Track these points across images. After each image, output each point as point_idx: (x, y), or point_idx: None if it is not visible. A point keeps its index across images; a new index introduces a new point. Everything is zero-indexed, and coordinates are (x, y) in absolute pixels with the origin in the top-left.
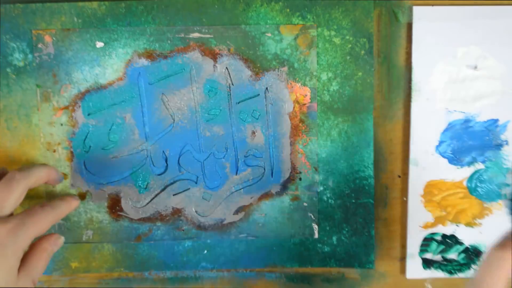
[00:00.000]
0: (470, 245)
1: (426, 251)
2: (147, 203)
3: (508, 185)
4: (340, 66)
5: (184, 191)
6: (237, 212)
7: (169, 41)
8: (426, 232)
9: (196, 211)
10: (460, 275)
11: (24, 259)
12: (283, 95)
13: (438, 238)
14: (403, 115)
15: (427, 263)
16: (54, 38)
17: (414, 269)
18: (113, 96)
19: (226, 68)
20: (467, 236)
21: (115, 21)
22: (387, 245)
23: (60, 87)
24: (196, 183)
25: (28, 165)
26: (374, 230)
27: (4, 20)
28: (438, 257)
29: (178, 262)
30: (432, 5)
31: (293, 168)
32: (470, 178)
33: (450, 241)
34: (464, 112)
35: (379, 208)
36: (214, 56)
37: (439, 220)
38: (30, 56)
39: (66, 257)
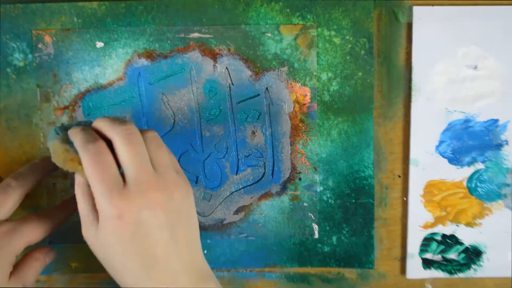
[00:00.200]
0: (470, 245)
1: (426, 251)
2: None
3: (508, 185)
4: (340, 66)
5: None
6: (237, 212)
7: (169, 41)
8: (426, 232)
9: (196, 211)
10: (460, 275)
11: (16, 266)
12: (283, 95)
13: (438, 238)
14: (403, 115)
15: (427, 263)
16: (54, 38)
17: (414, 269)
18: (113, 96)
19: (226, 68)
20: (467, 236)
21: (115, 21)
22: (387, 245)
23: (60, 87)
24: (196, 183)
25: (23, 171)
26: (374, 230)
27: (4, 20)
28: (438, 257)
29: None
30: (432, 5)
31: (293, 168)
32: (470, 178)
33: (450, 241)
34: (464, 112)
35: (379, 208)
36: (214, 56)
37: (439, 220)
38: (30, 56)
39: (66, 257)
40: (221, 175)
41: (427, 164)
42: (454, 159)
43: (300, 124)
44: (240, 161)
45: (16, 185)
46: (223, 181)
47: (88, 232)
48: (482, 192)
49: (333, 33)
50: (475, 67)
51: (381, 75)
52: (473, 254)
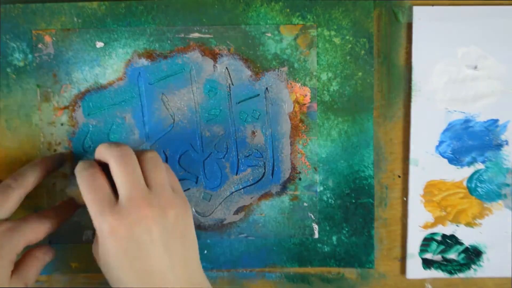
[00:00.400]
0: (470, 245)
1: (426, 251)
2: None
3: (508, 185)
4: (340, 66)
5: (184, 191)
6: (237, 212)
7: (169, 41)
8: (426, 232)
9: (196, 211)
10: (460, 275)
11: (17, 265)
12: (283, 95)
13: (438, 238)
14: (403, 115)
15: (427, 263)
16: (54, 38)
17: (414, 269)
18: (113, 96)
19: (226, 68)
20: (467, 236)
21: (115, 21)
22: (387, 245)
23: (60, 87)
24: (196, 183)
25: (22, 171)
26: (374, 230)
27: (4, 20)
28: (438, 257)
29: None
30: (432, 5)
31: (293, 168)
32: (470, 178)
33: (450, 241)
34: (464, 112)
35: (379, 208)
36: (214, 56)
37: (439, 220)
38: (30, 56)
39: (66, 257)
40: (221, 175)
41: (427, 164)
42: (454, 159)
43: (300, 124)
44: (240, 161)
45: (16, 185)
46: (223, 181)
47: (93, 248)
48: (482, 192)
49: (333, 33)
50: (475, 67)
51: (381, 75)
52: (473, 254)
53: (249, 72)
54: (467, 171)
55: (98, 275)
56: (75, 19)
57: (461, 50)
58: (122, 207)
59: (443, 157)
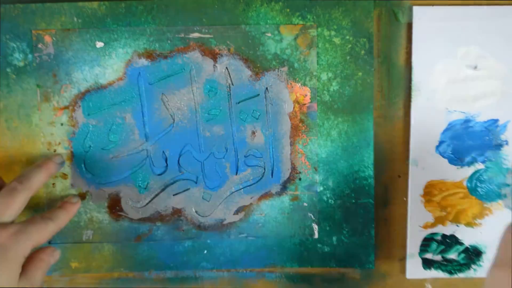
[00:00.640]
0: (470, 245)
1: (426, 251)
2: (147, 203)
3: (508, 185)
4: (340, 66)
5: (184, 191)
6: (237, 212)
7: (169, 41)
8: (426, 232)
9: (196, 211)
10: (460, 275)
11: (23, 268)
12: (283, 95)
13: (438, 238)
14: (403, 115)
15: (427, 263)
16: (54, 38)
17: (414, 269)
18: (113, 96)
19: (226, 68)
20: (467, 236)
21: (115, 21)
22: (387, 245)
23: (60, 87)
24: (196, 183)
25: (27, 173)
26: (374, 230)
27: (4, 20)
28: (438, 257)
29: (178, 262)
30: (432, 5)
31: (293, 168)
32: (470, 178)
33: (450, 241)
34: (464, 112)
35: (379, 208)
36: (214, 56)
37: (439, 220)
38: (30, 56)
39: (66, 257)
40: (221, 175)
41: (427, 164)
42: (454, 159)
43: (300, 124)
44: (240, 161)
45: (22, 188)
46: (223, 181)
47: None
48: (482, 192)
49: (333, 33)
50: (475, 67)
51: (381, 75)
52: (473, 254)
53: (249, 72)
54: (467, 171)
55: (98, 275)
56: (75, 19)
57: (461, 50)
58: None
59: (443, 157)
